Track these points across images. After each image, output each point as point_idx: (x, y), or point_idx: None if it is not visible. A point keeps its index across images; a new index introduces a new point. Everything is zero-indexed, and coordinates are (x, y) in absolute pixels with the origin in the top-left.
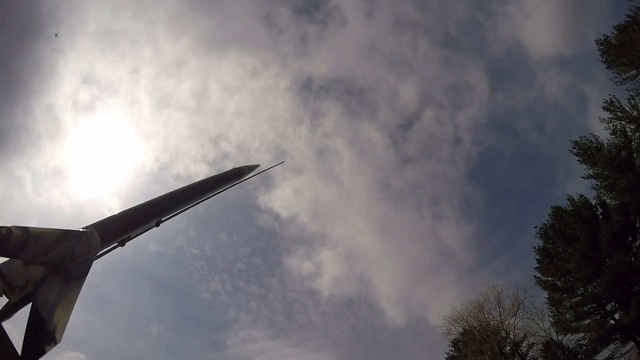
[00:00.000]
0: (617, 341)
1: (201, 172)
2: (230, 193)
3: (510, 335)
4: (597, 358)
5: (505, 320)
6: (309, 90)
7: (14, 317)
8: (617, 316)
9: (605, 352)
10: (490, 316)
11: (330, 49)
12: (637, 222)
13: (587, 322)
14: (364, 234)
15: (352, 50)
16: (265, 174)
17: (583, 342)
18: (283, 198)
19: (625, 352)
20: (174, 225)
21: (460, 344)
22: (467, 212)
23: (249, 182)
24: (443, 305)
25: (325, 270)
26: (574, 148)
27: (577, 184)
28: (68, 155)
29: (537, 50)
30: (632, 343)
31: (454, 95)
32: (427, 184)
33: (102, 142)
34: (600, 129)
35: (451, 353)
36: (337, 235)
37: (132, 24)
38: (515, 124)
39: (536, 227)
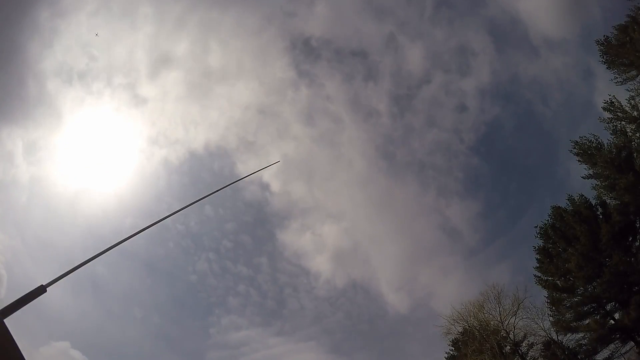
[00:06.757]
0: (617, 341)
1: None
2: (215, 164)
3: (510, 335)
4: (597, 358)
5: (505, 320)
6: (310, 53)
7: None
8: (617, 316)
9: (605, 352)
10: (490, 316)
11: (332, 11)
12: (637, 222)
13: (587, 322)
14: (362, 210)
15: (355, 13)
16: (255, 142)
17: (583, 342)
18: (273, 170)
19: (625, 352)
20: (160, 198)
21: (460, 343)
22: (472, 187)
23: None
24: (448, 290)
25: (320, 251)
26: (574, 148)
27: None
28: (65, 126)
29: (540, 29)
30: (632, 343)
31: (460, 62)
32: (430, 155)
33: (100, 114)
34: (601, 128)
35: (451, 352)
36: (334, 212)
37: None
38: (520, 95)
39: (536, 226)
